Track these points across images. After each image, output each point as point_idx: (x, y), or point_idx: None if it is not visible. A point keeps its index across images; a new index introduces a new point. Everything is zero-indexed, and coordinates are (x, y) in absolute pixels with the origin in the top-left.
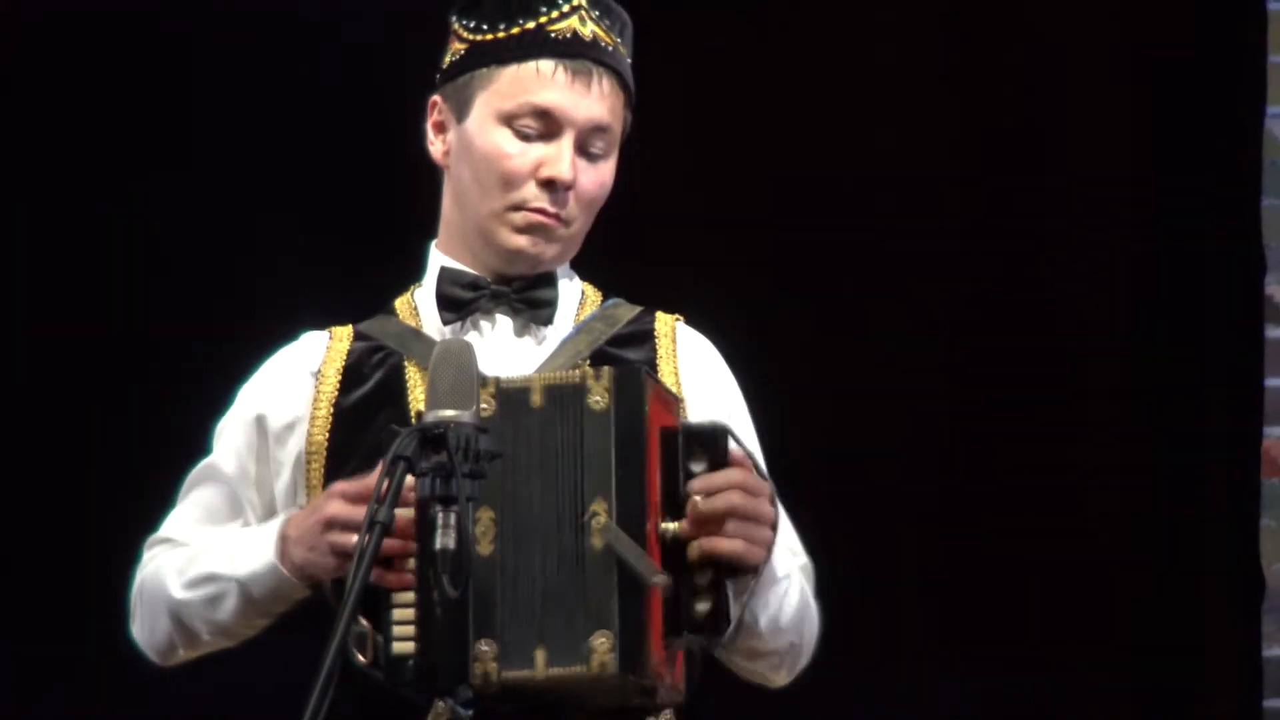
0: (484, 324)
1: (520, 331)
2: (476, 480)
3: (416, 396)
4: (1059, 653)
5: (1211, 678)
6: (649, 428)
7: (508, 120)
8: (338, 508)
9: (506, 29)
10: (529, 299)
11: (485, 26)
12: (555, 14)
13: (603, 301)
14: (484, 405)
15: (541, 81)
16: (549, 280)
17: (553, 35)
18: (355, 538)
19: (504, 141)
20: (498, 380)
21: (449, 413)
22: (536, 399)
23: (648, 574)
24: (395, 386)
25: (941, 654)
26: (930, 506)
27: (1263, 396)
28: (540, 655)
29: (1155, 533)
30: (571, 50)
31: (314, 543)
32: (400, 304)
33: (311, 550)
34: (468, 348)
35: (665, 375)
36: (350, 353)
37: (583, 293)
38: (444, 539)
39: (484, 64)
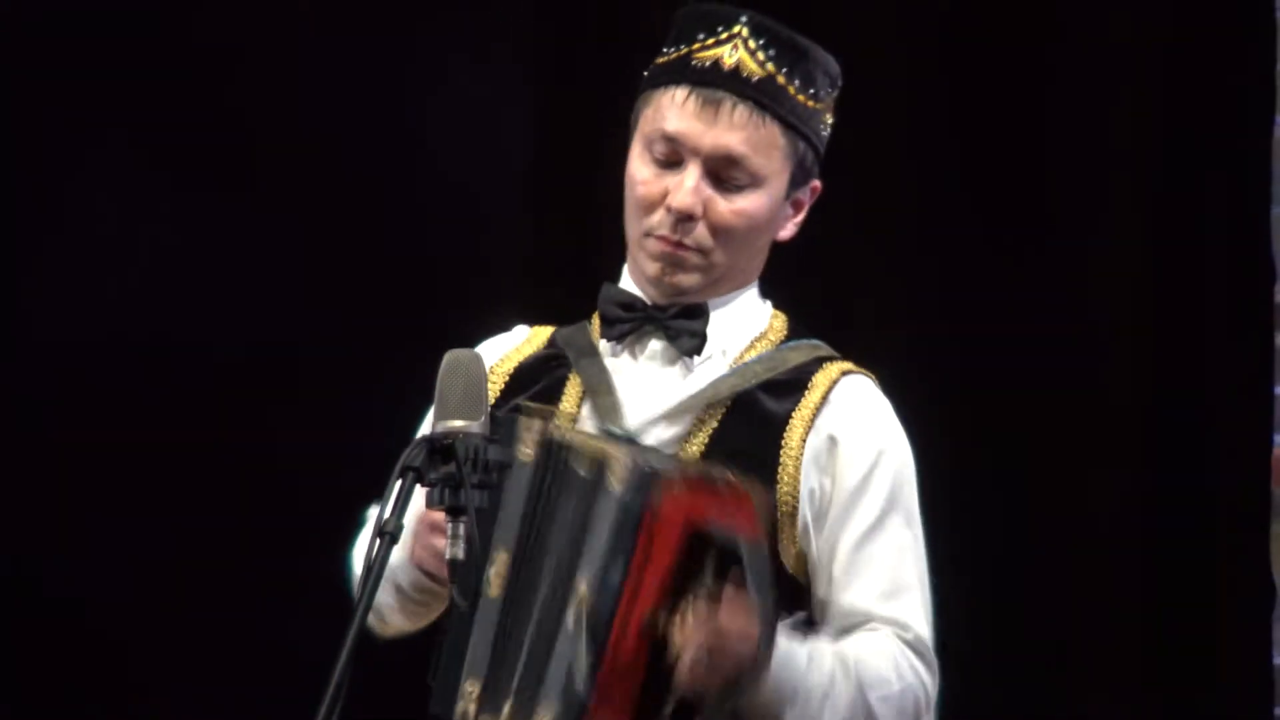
0: (637, 346)
1: (670, 360)
2: (485, 491)
3: (561, 408)
4: (1066, 659)
5: (1222, 686)
6: (656, 524)
7: (647, 145)
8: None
9: (668, 53)
10: (678, 328)
11: (665, 49)
12: (710, 40)
13: (787, 339)
14: (526, 450)
15: (672, 109)
16: (699, 311)
17: (693, 63)
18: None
19: (642, 166)
20: (547, 428)
21: (458, 423)
22: (575, 463)
23: (579, 671)
24: (550, 398)
25: (944, 660)
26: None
27: (1272, 404)
28: (507, 708)
29: (1165, 541)
30: (706, 79)
31: (423, 540)
32: (597, 314)
33: (423, 548)
34: (477, 359)
35: (793, 429)
36: (533, 356)
37: (766, 327)
38: (453, 549)
39: (648, 86)
